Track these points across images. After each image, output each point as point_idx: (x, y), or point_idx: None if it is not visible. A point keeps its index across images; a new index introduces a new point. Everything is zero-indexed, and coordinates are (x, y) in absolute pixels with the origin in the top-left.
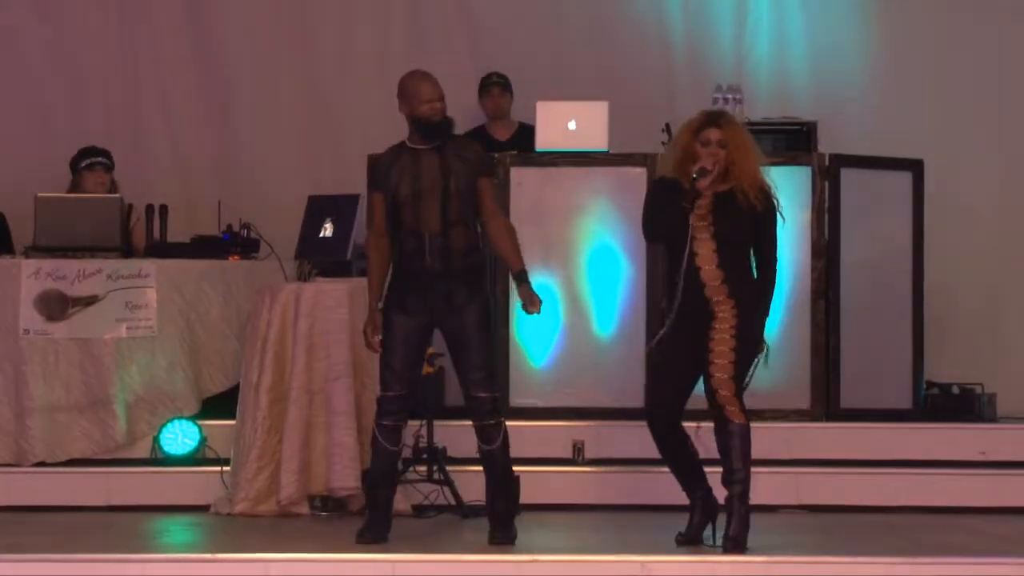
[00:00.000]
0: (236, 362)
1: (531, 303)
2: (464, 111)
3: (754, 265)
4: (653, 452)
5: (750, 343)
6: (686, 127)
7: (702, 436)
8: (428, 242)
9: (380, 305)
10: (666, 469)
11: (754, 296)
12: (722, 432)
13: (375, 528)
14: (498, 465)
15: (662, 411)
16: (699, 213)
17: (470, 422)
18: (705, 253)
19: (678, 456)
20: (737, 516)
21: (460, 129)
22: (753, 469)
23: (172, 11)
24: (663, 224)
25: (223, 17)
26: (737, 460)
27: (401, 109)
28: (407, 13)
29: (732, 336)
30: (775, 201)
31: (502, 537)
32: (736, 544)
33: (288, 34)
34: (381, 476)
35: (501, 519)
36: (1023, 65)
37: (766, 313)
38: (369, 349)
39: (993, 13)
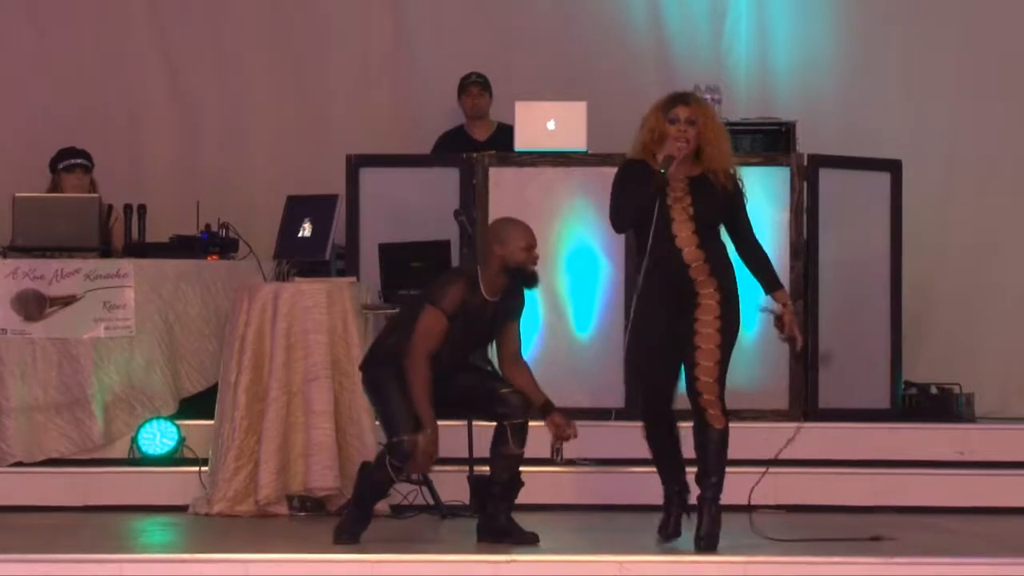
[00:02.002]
0: (214, 362)
1: (566, 429)
2: (443, 112)
3: (733, 247)
4: (631, 452)
5: (732, 336)
6: (654, 107)
7: None
8: (444, 367)
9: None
10: (644, 469)
11: (732, 276)
12: (701, 434)
13: (354, 528)
14: (518, 468)
15: (657, 400)
16: (676, 195)
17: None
18: (685, 235)
19: (666, 446)
20: (708, 515)
21: (439, 129)
22: (731, 469)
23: (151, 11)
24: (632, 208)
25: (202, 18)
26: (713, 463)
27: (493, 251)
28: (386, 13)
29: (718, 331)
30: (740, 182)
31: (532, 536)
32: (709, 543)
33: (267, 34)
34: (379, 493)
35: (513, 521)
36: (999, 66)
37: (776, 277)
38: (420, 469)
39: (970, 13)
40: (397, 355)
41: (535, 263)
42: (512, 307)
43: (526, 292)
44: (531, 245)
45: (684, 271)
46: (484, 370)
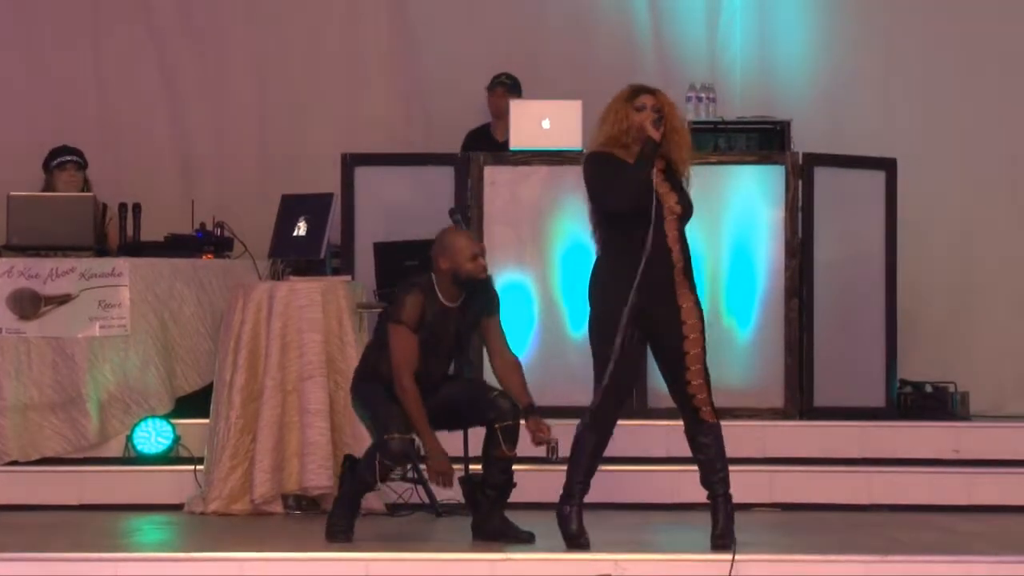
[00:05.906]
0: (209, 361)
1: (540, 432)
2: (439, 110)
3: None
4: (627, 451)
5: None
6: (617, 99)
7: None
8: (426, 379)
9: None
10: (641, 468)
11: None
12: (700, 433)
13: (344, 524)
14: (511, 469)
15: (621, 392)
16: (662, 191)
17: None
18: (673, 233)
19: (598, 453)
20: (724, 513)
21: (435, 127)
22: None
23: (146, 11)
24: (631, 181)
25: (196, 18)
26: (717, 460)
27: (440, 264)
28: (382, 11)
29: (700, 333)
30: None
31: (527, 535)
32: (726, 542)
33: (263, 33)
34: (366, 489)
35: (507, 520)
36: (996, 64)
37: None
38: (444, 484)
39: (967, 12)
40: (378, 369)
41: (484, 271)
42: (480, 307)
43: (494, 288)
44: (476, 255)
45: (670, 271)
46: (468, 379)
